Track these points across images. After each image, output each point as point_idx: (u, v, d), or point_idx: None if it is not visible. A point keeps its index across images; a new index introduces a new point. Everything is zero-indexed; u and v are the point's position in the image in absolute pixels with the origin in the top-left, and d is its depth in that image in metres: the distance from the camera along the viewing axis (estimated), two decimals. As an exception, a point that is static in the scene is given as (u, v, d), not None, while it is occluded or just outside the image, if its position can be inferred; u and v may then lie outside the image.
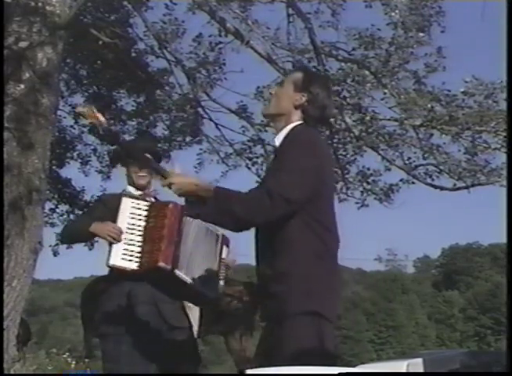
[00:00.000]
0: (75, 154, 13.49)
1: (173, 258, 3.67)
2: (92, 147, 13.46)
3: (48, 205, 12.62)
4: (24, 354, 7.22)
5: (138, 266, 3.69)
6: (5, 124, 7.34)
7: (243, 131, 11.27)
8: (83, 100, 12.90)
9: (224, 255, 4.04)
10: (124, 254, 3.72)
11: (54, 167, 12.43)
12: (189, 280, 3.79)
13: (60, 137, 12.71)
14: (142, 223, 3.76)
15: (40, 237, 7.47)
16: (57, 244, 13.24)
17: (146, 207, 3.80)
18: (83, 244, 13.28)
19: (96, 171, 13.52)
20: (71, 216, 13.55)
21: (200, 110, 11.29)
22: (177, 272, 3.71)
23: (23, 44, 7.57)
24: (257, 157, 11.36)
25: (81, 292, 9.55)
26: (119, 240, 3.74)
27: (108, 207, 3.89)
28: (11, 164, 7.26)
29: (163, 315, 3.79)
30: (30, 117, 7.41)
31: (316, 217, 2.89)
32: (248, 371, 2.27)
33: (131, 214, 3.79)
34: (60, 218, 13.52)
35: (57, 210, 13.54)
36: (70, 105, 13.07)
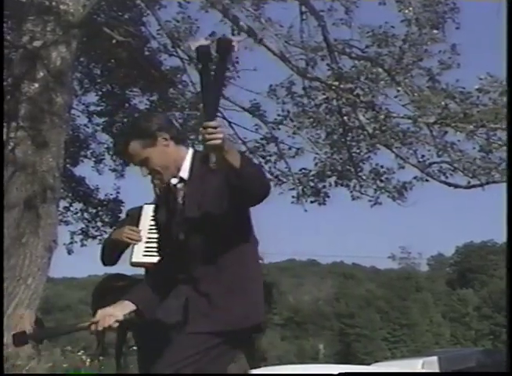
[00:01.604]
0: (89, 153, 13.55)
1: None
2: (106, 146, 13.52)
3: (63, 203, 12.68)
4: (39, 352, 7.25)
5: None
6: (20, 123, 7.38)
7: (256, 130, 11.28)
8: (96, 99, 12.97)
9: None
10: (146, 251, 3.88)
11: (68, 165, 12.48)
12: None
13: (74, 136, 12.76)
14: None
15: (54, 235, 7.52)
16: (71, 242, 13.32)
17: None
18: (97, 241, 13.39)
19: (110, 169, 13.57)
20: (85, 214, 13.61)
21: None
22: None
23: (37, 43, 7.61)
24: (270, 155, 11.36)
25: (92, 291, 9.60)
26: (137, 240, 3.87)
27: (132, 217, 4.01)
28: (26, 163, 7.31)
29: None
30: (45, 115, 7.46)
31: None
32: (251, 371, 2.26)
33: (153, 217, 3.81)
34: (74, 216, 13.59)
35: (71, 208, 13.61)
36: (83, 104, 13.14)
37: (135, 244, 3.90)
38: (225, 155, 2.47)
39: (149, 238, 3.88)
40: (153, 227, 3.79)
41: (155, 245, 3.81)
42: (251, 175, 2.60)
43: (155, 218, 3.43)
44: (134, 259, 3.91)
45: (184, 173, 2.87)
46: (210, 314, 2.78)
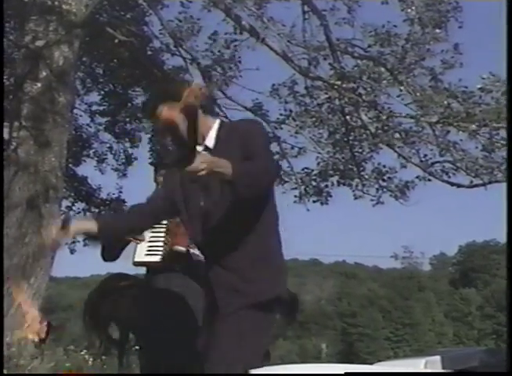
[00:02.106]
0: (91, 152, 13.57)
1: (188, 241, 3.77)
2: (108, 145, 13.54)
3: (65, 203, 12.69)
4: (42, 351, 7.26)
5: (161, 259, 3.86)
6: (23, 123, 7.39)
7: (259, 129, 11.26)
8: (99, 98, 12.98)
9: None
10: (149, 250, 3.89)
11: (70, 165, 12.49)
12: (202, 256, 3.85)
13: (76, 135, 12.77)
14: (165, 221, 3.87)
15: (57, 235, 7.51)
16: (74, 242, 13.33)
17: None
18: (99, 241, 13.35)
19: (112, 169, 13.58)
20: (88, 214, 13.63)
21: (215, 107, 11.30)
22: (191, 251, 3.81)
23: (39, 43, 7.61)
24: (272, 155, 11.34)
25: (95, 290, 9.61)
26: (142, 240, 3.89)
27: None
28: (28, 163, 7.31)
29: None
30: (47, 115, 7.46)
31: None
32: (251, 371, 2.25)
33: None
34: (77, 215, 13.59)
35: (74, 208, 13.63)
36: (86, 103, 13.15)
37: (138, 243, 3.90)
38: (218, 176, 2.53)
39: (152, 237, 3.89)
40: (160, 226, 3.86)
41: (158, 244, 3.87)
42: (244, 185, 2.60)
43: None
44: (137, 259, 3.92)
45: (210, 141, 2.88)
46: (241, 288, 2.80)
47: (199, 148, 2.84)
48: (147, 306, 3.91)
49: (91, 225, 2.97)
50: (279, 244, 2.96)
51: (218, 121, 2.94)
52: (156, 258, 3.87)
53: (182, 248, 3.83)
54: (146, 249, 3.90)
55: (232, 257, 2.82)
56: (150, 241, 3.90)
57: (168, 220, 3.82)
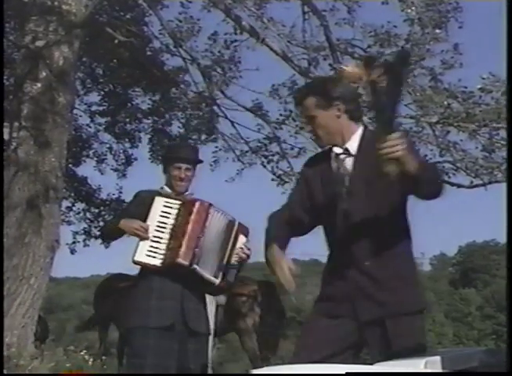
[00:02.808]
0: (91, 153, 13.56)
1: (192, 255, 3.74)
2: (108, 146, 13.54)
3: (65, 203, 12.69)
4: (42, 351, 7.26)
5: (161, 263, 3.77)
6: (22, 123, 7.39)
7: (258, 129, 11.27)
8: (99, 99, 12.98)
9: (239, 244, 3.97)
10: (150, 250, 3.80)
11: (70, 165, 12.49)
12: (206, 274, 3.84)
13: (76, 135, 12.76)
14: (171, 221, 3.84)
15: (57, 235, 7.52)
16: (74, 242, 13.33)
17: (178, 206, 3.87)
18: (99, 241, 13.39)
19: (112, 169, 13.57)
20: (87, 214, 13.62)
21: (215, 108, 11.30)
22: (195, 267, 3.77)
23: (39, 43, 7.62)
24: (272, 155, 11.34)
25: (95, 291, 9.55)
26: (146, 238, 3.82)
27: (142, 204, 3.94)
28: (28, 163, 7.31)
29: (184, 314, 3.81)
30: (47, 115, 7.46)
31: None
32: (253, 371, 2.25)
33: (162, 212, 3.87)
34: (77, 216, 13.61)
35: (73, 208, 13.63)
36: (85, 103, 13.14)
37: (141, 240, 3.84)
38: (404, 165, 2.47)
39: (155, 237, 3.83)
40: (162, 225, 3.84)
41: (160, 246, 3.81)
42: (427, 180, 2.62)
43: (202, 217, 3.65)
44: (136, 258, 3.82)
45: (351, 145, 2.93)
46: (376, 297, 2.81)
47: (337, 149, 2.94)
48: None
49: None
50: (412, 258, 3.00)
51: (361, 128, 2.99)
52: (156, 262, 3.79)
53: (185, 263, 3.74)
54: (148, 249, 3.82)
55: (373, 263, 2.83)
56: (153, 240, 3.83)
57: (176, 223, 3.82)
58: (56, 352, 7.59)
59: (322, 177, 2.98)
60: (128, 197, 13.65)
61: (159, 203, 3.87)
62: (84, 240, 13.43)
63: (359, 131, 2.98)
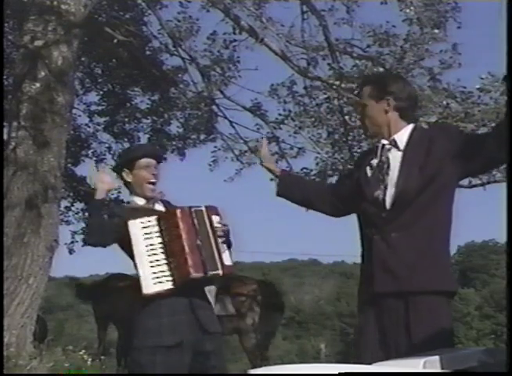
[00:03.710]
0: (90, 152, 13.57)
1: (202, 263, 3.60)
2: (107, 145, 13.54)
3: (64, 203, 12.69)
4: (41, 351, 7.25)
5: (173, 284, 3.59)
6: (21, 123, 7.38)
7: (257, 129, 11.26)
8: (98, 98, 12.98)
9: (216, 224, 3.76)
10: (155, 277, 3.60)
11: (69, 165, 12.48)
12: (212, 272, 3.70)
13: (75, 135, 12.76)
14: (159, 240, 3.64)
15: (56, 235, 7.52)
16: (72, 242, 13.34)
17: (156, 222, 3.66)
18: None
19: (111, 168, 13.55)
20: (86, 214, 13.61)
21: (214, 107, 11.30)
22: (209, 273, 3.65)
23: (38, 43, 7.61)
24: (271, 155, 11.33)
25: (94, 291, 9.55)
26: (110, 184, 3.83)
27: (123, 235, 3.65)
28: (27, 163, 7.31)
29: (200, 322, 3.68)
30: (46, 115, 7.46)
31: None
32: (251, 371, 2.24)
33: (145, 234, 3.65)
34: (75, 216, 13.61)
35: (72, 208, 13.63)
36: (84, 103, 13.14)
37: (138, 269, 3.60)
38: None
39: (152, 261, 3.61)
40: (151, 247, 3.63)
41: (161, 268, 3.61)
42: None
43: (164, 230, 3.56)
44: (146, 291, 3.57)
45: (399, 138, 3.08)
46: (398, 272, 2.89)
47: (384, 141, 3.11)
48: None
49: (275, 168, 3.54)
50: (448, 244, 3.07)
51: (412, 125, 3.13)
52: (168, 286, 3.59)
53: (200, 275, 3.59)
54: (152, 277, 3.59)
55: (400, 236, 2.91)
56: (152, 266, 3.60)
57: (165, 240, 3.64)
58: (55, 352, 7.59)
59: (367, 166, 3.14)
60: (127, 197, 13.73)
61: (135, 227, 3.64)
62: (84, 240, 13.42)
63: (409, 128, 3.11)
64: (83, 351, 8.07)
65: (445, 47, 9.90)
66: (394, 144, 3.07)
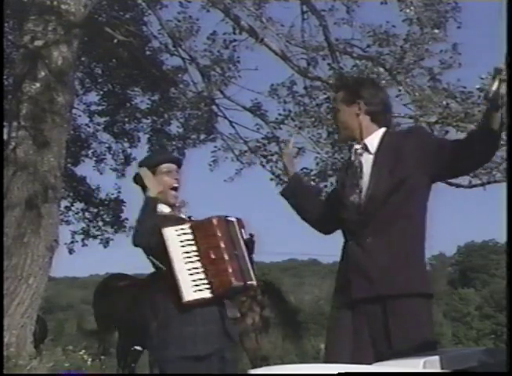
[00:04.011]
0: (90, 152, 13.56)
1: (241, 272, 3.61)
2: (107, 145, 13.53)
3: (64, 203, 12.69)
4: (41, 351, 7.26)
5: (211, 293, 3.57)
6: (21, 123, 7.39)
7: (257, 129, 11.26)
8: (98, 98, 12.98)
9: (245, 236, 3.81)
10: (195, 285, 3.57)
11: (69, 165, 12.48)
12: (250, 283, 3.74)
13: (75, 135, 12.76)
14: (193, 248, 3.61)
15: (56, 235, 7.52)
16: (72, 242, 13.33)
17: (190, 230, 3.63)
18: (98, 241, 13.39)
19: (111, 168, 13.57)
20: (86, 214, 13.62)
21: (214, 107, 11.30)
22: (249, 283, 3.68)
23: (38, 43, 7.62)
24: (271, 155, 11.34)
25: (94, 291, 9.57)
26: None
27: (157, 244, 3.62)
28: (27, 163, 7.31)
29: (228, 333, 3.69)
30: (46, 115, 7.46)
31: None
32: (251, 371, 2.24)
33: (180, 242, 3.62)
34: (75, 215, 13.60)
35: (72, 208, 13.62)
36: (84, 103, 13.14)
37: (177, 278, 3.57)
38: (501, 98, 2.59)
39: (190, 269, 3.57)
40: (188, 255, 3.60)
41: (200, 276, 3.59)
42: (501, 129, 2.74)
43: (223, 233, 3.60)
44: (187, 298, 3.53)
45: (370, 142, 3.10)
46: (373, 276, 2.88)
47: (356, 145, 3.14)
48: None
49: (292, 169, 3.45)
50: (423, 245, 3.03)
51: (383, 129, 3.14)
52: (207, 294, 3.56)
53: (241, 283, 3.59)
54: (192, 284, 3.56)
55: (375, 240, 2.92)
56: (191, 274, 3.57)
57: (200, 248, 3.61)
58: (55, 352, 7.60)
59: (345, 171, 3.19)
60: (126, 197, 13.72)
61: (170, 234, 3.60)
62: (83, 240, 13.43)
63: (380, 132, 3.13)
64: (83, 351, 8.07)
65: (445, 47, 9.90)
66: (365, 148, 3.09)
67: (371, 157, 3.05)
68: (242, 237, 3.77)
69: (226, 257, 3.57)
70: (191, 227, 3.64)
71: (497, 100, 2.60)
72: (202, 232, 3.63)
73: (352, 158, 3.13)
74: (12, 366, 6.27)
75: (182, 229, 3.63)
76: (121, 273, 9.27)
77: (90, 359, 7.80)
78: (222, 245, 3.59)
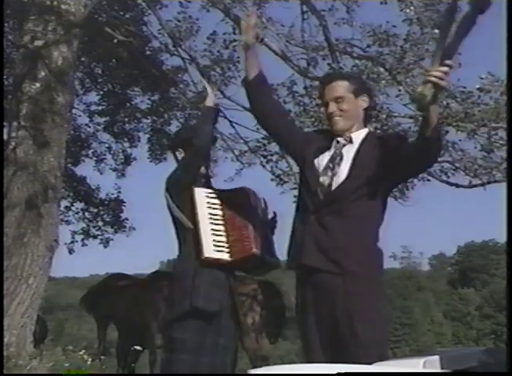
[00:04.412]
0: (90, 152, 13.57)
1: (261, 243, 3.67)
2: (107, 145, 13.54)
3: (64, 203, 12.70)
4: (41, 351, 7.25)
5: (230, 256, 3.65)
6: (21, 123, 7.38)
7: (257, 129, 11.23)
8: (98, 98, 12.98)
9: (271, 216, 3.91)
10: (216, 245, 3.65)
11: (69, 165, 12.48)
12: (270, 259, 3.79)
13: (75, 135, 12.76)
14: (220, 212, 3.73)
15: (56, 235, 7.52)
16: (72, 242, 13.33)
17: (219, 195, 3.79)
18: (98, 241, 13.39)
19: (111, 168, 13.58)
20: (86, 214, 13.62)
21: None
22: (266, 257, 3.73)
23: (38, 43, 7.61)
24: (271, 155, 11.34)
25: (93, 291, 9.57)
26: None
27: (185, 199, 3.74)
28: (27, 162, 7.31)
29: (235, 304, 3.86)
30: (46, 115, 7.46)
31: None
32: (251, 371, 2.25)
33: (208, 203, 3.74)
34: (75, 215, 13.61)
35: (72, 208, 13.63)
36: (84, 103, 13.14)
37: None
38: (434, 102, 2.71)
39: (214, 230, 3.67)
40: (214, 217, 3.71)
41: (221, 239, 3.68)
42: (439, 134, 2.94)
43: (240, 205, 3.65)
44: (206, 254, 3.61)
45: (356, 136, 3.16)
46: (330, 253, 2.98)
47: (340, 139, 3.19)
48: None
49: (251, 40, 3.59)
50: (377, 234, 3.14)
51: (367, 130, 3.23)
52: (226, 256, 3.65)
53: (259, 252, 3.64)
54: (214, 244, 3.65)
55: (335, 220, 3.01)
56: (214, 234, 3.66)
57: (226, 213, 3.72)
58: (55, 352, 7.59)
59: (316, 154, 3.20)
60: (126, 197, 13.74)
61: (200, 194, 3.73)
62: (83, 240, 13.44)
63: (365, 130, 3.21)
64: (83, 351, 8.07)
65: (445, 47, 9.89)
66: (350, 140, 3.16)
67: (354, 149, 3.12)
68: (266, 215, 3.86)
69: (250, 226, 3.65)
70: (221, 191, 3.81)
71: (420, 101, 2.70)
72: (231, 198, 3.76)
73: (333, 148, 3.18)
74: (12, 366, 6.27)
75: (213, 192, 3.78)
76: (121, 273, 9.27)
77: (90, 359, 7.80)
78: (248, 213, 3.69)
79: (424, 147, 2.87)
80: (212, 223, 3.68)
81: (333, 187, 3.04)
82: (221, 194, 3.80)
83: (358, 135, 3.16)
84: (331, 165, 3.10)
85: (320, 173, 3.10)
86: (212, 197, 3.76)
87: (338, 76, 3.36)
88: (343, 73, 3.81)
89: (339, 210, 3.01)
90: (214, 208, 3.73)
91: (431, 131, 2.79)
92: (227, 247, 3.65)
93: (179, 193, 3.74)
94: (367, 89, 3.25)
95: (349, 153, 3.11)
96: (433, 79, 2.58)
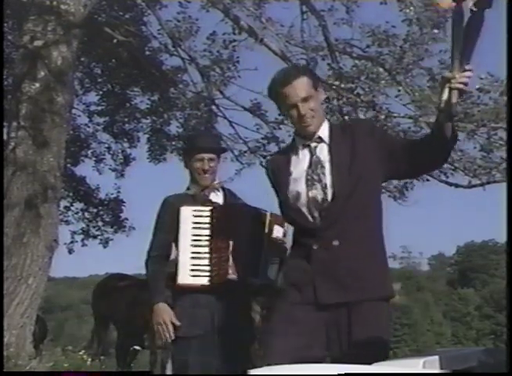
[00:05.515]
0: (89, 152, 13.58)
1: (243, 267, 3.47)
2: (106, 145, 13.54)
3: (63, 203, 12.71)
4: (41, 351, 7.26)
5: (209, 281, 3.48)
6: (21, 123, 7.39)
7: (257, 129, 11.26)
8: (97, 98, 12.98)
9: (275, 234, 3.59)
10: (193, 270, 3.50)
11: (69, 165, 12.49)
12: (251, 281, 3.56)
13: (75, 135, 12.77)
14: (206, 232, 3.53)
15: (55, 235, 7.52)
16: (72, 242, 13.34)
17: (208, 213, 3.55)
18: (97, 241, 13.40)
19: (110, 169, 13.59)
20: (86, 214, 13.62)
21: (213, 107, 11.29)
22: (248, 279, 3.52)
23: (38, 43, 7.62)
24: (271, 155, 11.33)
25: (93, 291, 9.55)
26: (165, 337, 3.52)
27: (173, 216, 3.59)
28: (26, 163, 7.31)
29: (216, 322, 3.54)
30: (46, 115, 7.46)
31: None
32: (251, 371, 2.24)
33: (194, 223, 3.55)
34: (75, 215, 13.62)
35: (72, 208, 13.64)
36: (84, 103, 13.15)
37: (177, 261, 3.50)
38: (453, 107, 2.57)
39: (194, 253, 3.51)
40: (197, 239, 3.52)
41: (201, 262, 3.50)
42: (455, 138, 2.67)
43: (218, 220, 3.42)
44: (181, 280, 3.48)
45: (323, 133, 2.90)
46: (343, 281, 2.73)
47: (310, 142, 2.90)
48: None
49: None
50: (383, 243, 2.92)
51: (327, 121, 2.98)
52: (203, 281, 3.48)
53: (235, 277, 3.45)
54: (190, 268, 3.49)
55: (342, 244, 2.75)
56: (193, 258, 3.50)
57: (213, 233, 3.51)
58: (55, 352, 7.60)
59: (291, 168, 2.90)
60: (126, 197, 13.74)
61: (187, 213, 3.55)
62: (83, 240, 13.45)
63: (326, 123, 2.96)
64: (83, 351, 8.08)
65: (445, 47, 9.88)
66: (320, 140, 2.89)
67: (326, 150, 2.86)
68: (269, 233, 3.57)
69: (231, 247, 3.45)
70: (211, 210, 3.56)
71: (449, 110, 2.57)
72: (221, 216, 3.54)
73: (308, 154, 2.88)
74: (12, 366, 6.27)
75: (201, 210, 3.56)
76: (121, 273, 9.27)
77: (90, 359, 7.81)
78: (231, 233, 3.47)
79: (443, 150, 2.71)
80: (193, 246, 3.51)
81: (329, 199, 2.77)
82: (213, 209, 3.57)
83: (324, 132, 2.90)
84: (315, 177, 2.81)
85: (305, 188, 2.81)
86: (200, 216, 3.54)
87: (294, 73, 2.88)
88: (295, 68, 3.40)
89: (341, 231, 2.76)
90: (199, 228, 3.53)
91: (451, 130, 2.63)
92: (209, 270, 3.49)
93: (173, 208, 3.63)
94: (317, 77, 2.99)
95: (325, 156, 2.84)
96: (459, 86, 2.49)
